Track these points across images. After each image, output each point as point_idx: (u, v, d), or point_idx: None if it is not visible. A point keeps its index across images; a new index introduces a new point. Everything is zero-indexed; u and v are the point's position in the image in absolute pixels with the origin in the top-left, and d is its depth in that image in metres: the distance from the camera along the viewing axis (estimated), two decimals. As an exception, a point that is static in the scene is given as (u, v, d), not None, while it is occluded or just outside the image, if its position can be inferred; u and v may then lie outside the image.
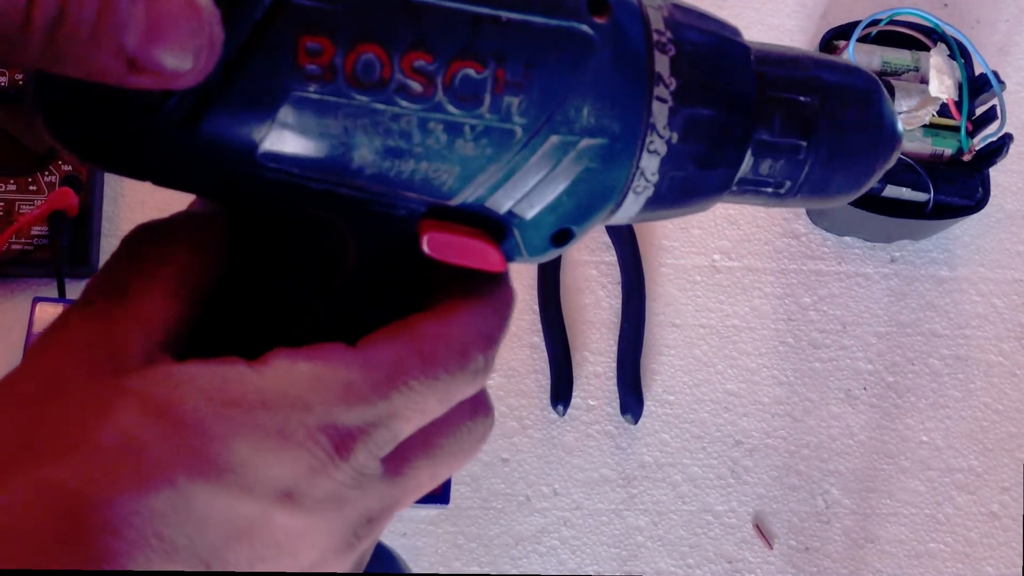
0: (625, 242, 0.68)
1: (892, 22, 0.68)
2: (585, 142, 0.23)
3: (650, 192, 0.25)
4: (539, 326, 0.66)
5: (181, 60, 0.19)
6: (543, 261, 0.26)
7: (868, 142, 0.26)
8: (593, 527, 0.64)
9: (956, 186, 0.65)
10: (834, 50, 0.67)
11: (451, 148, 0.23)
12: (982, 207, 0.66)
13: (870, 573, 0.65)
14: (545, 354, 0.66)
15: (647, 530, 0.64)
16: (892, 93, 0.65)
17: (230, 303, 0.25)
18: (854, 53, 0.65)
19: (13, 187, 0.62)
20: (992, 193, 0.66)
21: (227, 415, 0.21)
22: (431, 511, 0.63)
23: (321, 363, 0.22)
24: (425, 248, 0.24)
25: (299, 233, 0.25)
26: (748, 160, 0.25)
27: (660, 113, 0.24)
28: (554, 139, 0.23)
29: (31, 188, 0.62)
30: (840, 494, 0.66)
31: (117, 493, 0.19)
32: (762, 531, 0.65)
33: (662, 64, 0.24)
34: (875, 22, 0.67)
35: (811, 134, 0.25)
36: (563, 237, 0.25)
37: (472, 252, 0.24)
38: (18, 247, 0.62)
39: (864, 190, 0.27)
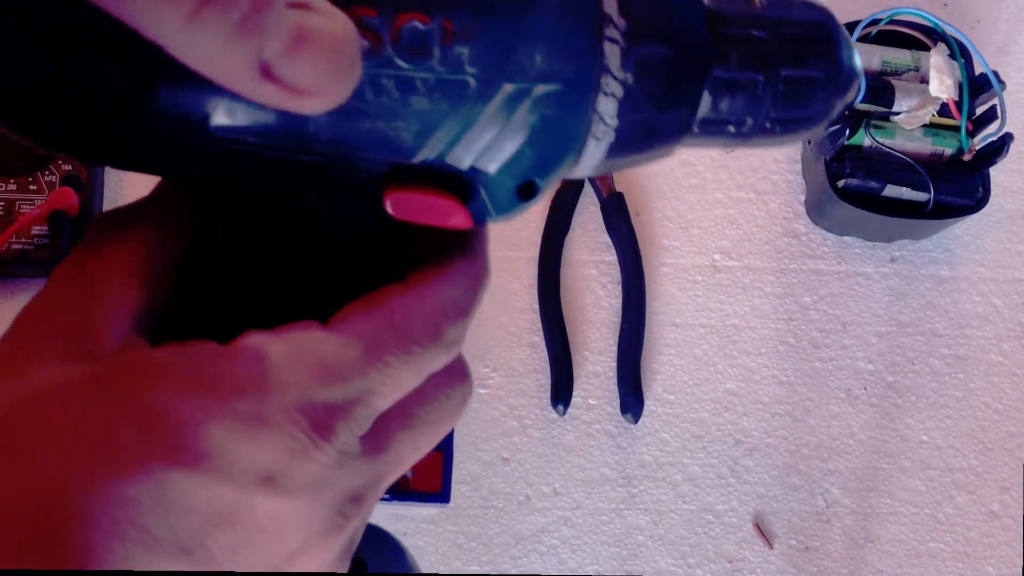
0: (625, 242, 0.68)
1: (892, 22, 0.68)
2: (540, 88, 0.23)
3: (611, 137, 0.24)
4: (539, 325, 0.66)
5: (318, 79, 0.19)
6: (512, 218, 0.25)
7: (826, 75, 0.26)
8: (593, 526, 0.64)
9: (956, 186, 0.65)
10: (834, 50, 0.67)
11: (405, 104, 0.22)
12: (982, 207, 0.66)
13: (870, 573, 0.65)
14: (545, 353, 0.66)
15: (647, 529, 0.64)
16: (892, 93, 0.65)
17: (204, 287, 0.24)
18: (854, 53, 0.65)
19: (13, 187, 0.62)
20: (992, 193, 0.66)
21: (201, 401, 0.20)
22: (431, 510, 0.63)
23: (295, 343, 0.22)
24: (389, 209, 0.23)
25: (265, 209, 0.25)
26: (707, 99, 0.25)
27: (612, 54, 0.23)
28: (508, 87, 0.23)
29: (31, 188, 0.62)
30: (840, 494, 0.66)
31: (93, 484, 0.19)
32: (762, 530, 0.65)
33: (610, 5, 0.23)
34: (875, 22, 0.67)
35: (768, 68, 0.25)
36: (528, 190, 0.24)
37: (436, 209, 0.24)
38: (18, 247, 0.62)
39: (824, 123, 0.27)
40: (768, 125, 0.26)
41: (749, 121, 0.26)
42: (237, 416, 0.21)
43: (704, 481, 0.65)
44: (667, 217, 0.70)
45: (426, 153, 0.23)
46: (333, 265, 0.25)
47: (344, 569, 0.24)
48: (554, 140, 0.24)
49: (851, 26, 0.67)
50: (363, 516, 0.24)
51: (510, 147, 0.23)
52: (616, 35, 0.23)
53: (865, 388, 0.68)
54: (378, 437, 0.23)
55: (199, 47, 0.18)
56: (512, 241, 0.68)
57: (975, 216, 0.67)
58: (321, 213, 0.24)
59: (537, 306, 0.67)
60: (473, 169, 0.24)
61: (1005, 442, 0.68)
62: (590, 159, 0.25)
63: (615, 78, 0.23)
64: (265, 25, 0.18)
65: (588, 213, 0.70)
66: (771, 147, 0.28)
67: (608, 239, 0.69)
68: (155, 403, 0.20)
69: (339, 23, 0.19)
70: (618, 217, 0.68)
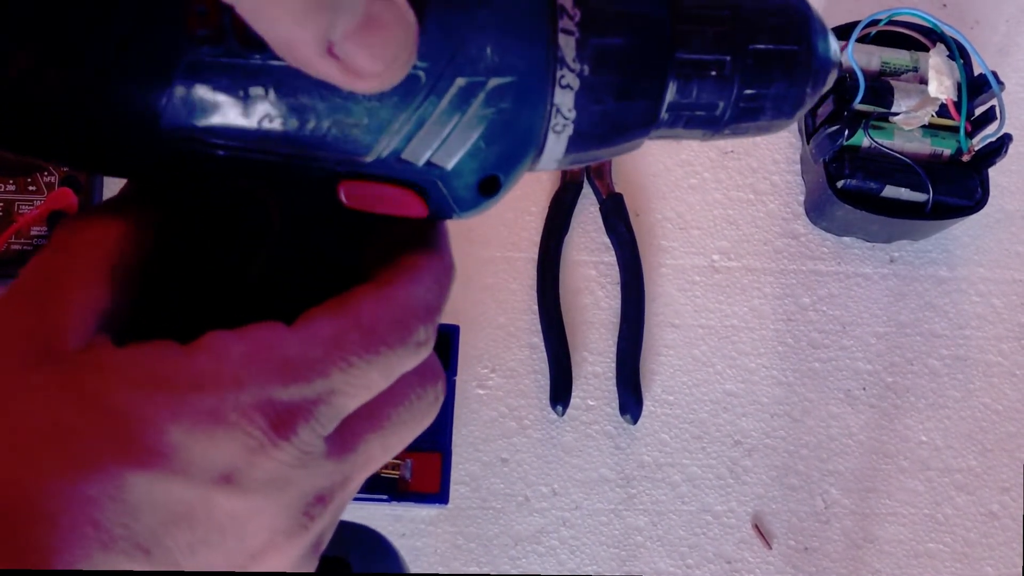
0: (624, 242, 0.68)
1: (891, 22, 0.68)
2: (493, 82, 0.22)
3: (570, 130, 0.24)
4: (538, 326, 0.66)
5: (375, 63, 0.20)
6: (477, 214, 0.25)
7: (795, 55, 0.25)
8: (592, 527, 0.64)
9: (955, 186, 0.65)
10: (833, 50, 0.67)
11: (354, 100, 0.22)
12: (981, 207, 0.66)
13: (869, 573, 0.65)
14: (544, 354, 0.66)
15: (646, 530, 0.64)
16: (891, 93, 0.65)
17: (170, 288, 0.24)
18: (853, 53, 0.65)
19: (12, 187, 0.62)
20: (991, 193, 0.66)
21: (158, 399, 0.20)
22: (430, 511, 0.63)
23: (255, 342, 0.22)
24: (343, 199, 0.23)
25: (226, 208, 0.25)
26: (672, 87, 0.24)
27: (567, 46, 0.23)
28: (460, 81, 0.22)
29: (30, 188, 0.62)
30: (839, 494, 0.66)
31: (48, 482, 0.19)
32: (761, 531, 0.65)
33: None
34: (874, 22, 0.67)
35: (734, 50, 0.24)
36: (491, 186, 0.24)
37: (389, 198, 0.23)
38: (17, 247, 0.62)
39: (802, 112, 0.26)
40: (739, 115, 0.25)
41: (721, 104, 0.25)
42: (195, 414, 0.20)
43: (703, 482, 0.65)
44: (666, 218, 0.70)
45: (380, 150, 0.23)
46: (295, 265, 0.24)
47: (311, 570, 0.24)
48: (512, 134, 0.23)
49: (850, 26, 0.67)
50: (331, 516, 0.24)
51: (467, 142, 0.23)
52: (571, 26, 0.23)
53: (864, 389, 0.68)
54: (345, 438, 0.23)
55: (271, 17, 0.19)
56: (511, 241, 0.68)
57: (974, 217, 0.67)
58: (277, 212, 0.24)
59: (536, 307, 0.67)
60: (430, 164, 0.23)
61: (1004, 443, 0.68)
62: (552, 152, 0.24)
63: (571, 70, 0.23)
64: (338, 5, 0.18)
65: (587, 214, 0.70)
66: (747, 137, 0.27)
67: (607, 240, 0.69)
68: (113, 401, 0.20)
69: (402, 10, 0.20)
70: (617, 218, 0.68)
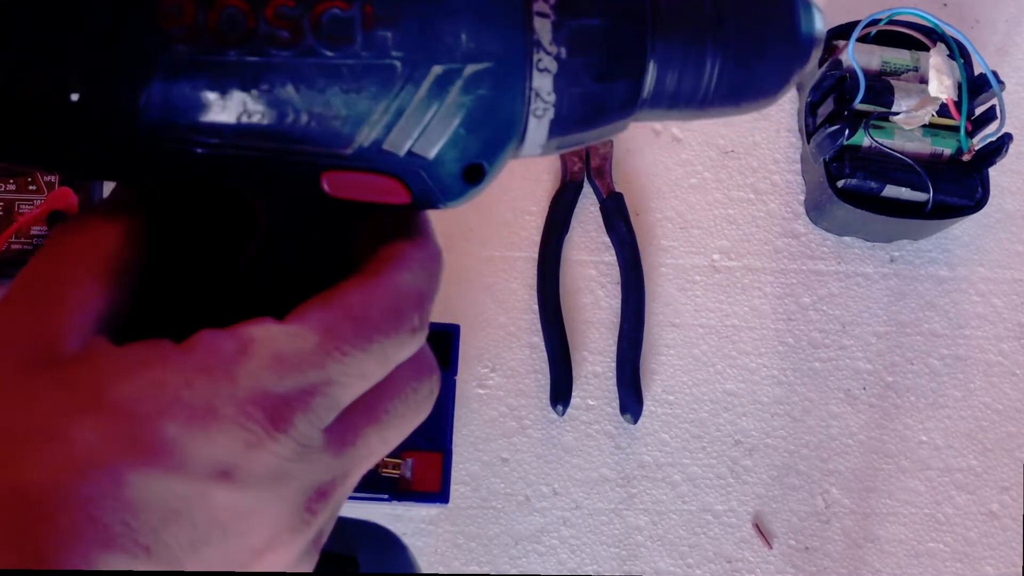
0: (625, 242, 0.68)
1: (891, 22, 0.68)
2: (469, 69, 0.22)
3: (551, 114, 0.24)
4: (539, 326, 0.66)
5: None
6: (465, 202, 0.25)
7: (779, 32, 0.25)
8: (592, 527, 0.64)
9: (956, 186, 0.65)
10: (833, 50, 0.67)
11: (332, 93, 0.22)
12: (981, 207, 0.66)
13: (870, 573, 0.65)
14: (544, 354, 0.66)
15: (646, 530, 0.64)
16: (891, 93, 0.65)
17: (166, 288, 0.24)
18: (853, 53, 0.65)
19: (13, 187, 0.62)
20: (992, 193, 0.66)
21: (152, 396, 0.20)
22: (431, 511, 0.63)
23: (247, 337, 0.22)
24: (326, 188, 0.23)
25: (213, 206, 0.25)
26: (653, 67, 0.24)
27: (543, 29, 0.23)
28: (437, 69, 0.22)
29: (30, 188, 0.62)
30: (840, 494, 0.66)
31: (46, 481, 0.19)
32: (761, 531, 0.65)
33: None
34: (874, 22, 0.67)
35: (715, 28, 0.24)
36: (475, 174, 0.24)
37: (372, 185, 0.23)
38: (18, 247, 0.62)
39: (785, 90, 0.26)
40: (723, 90, 0.25)
41: (702, 83, 0.25)
42: (189, 409, 0.20)
43: (703, 481, 0.65)
44: (666, 217, 0.70)
45: (361, 141, 0.23)
46: (284, 261, 0.24)
47: (311, 565, 0.24)
48: (492, 120, 0.23)
49: (850, 26, 0.67)
50: (331, 511, 0.24)
51: (447, 130, 0.23)
52: (545, 9, 0.23)
53: (864, 388, 0.68)
54: (344, 431, 0.23)
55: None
56: (511, 241, 0.68)
57: (974, 216, 0.67)
58: (263, 209, 0.24)
59: (536, 306, 0.67)
60: (412, 154, 0.23)
61: (1004, 442, 0.68)
62: (534, 138, 0.24)
63: (548, 53, 0.23)
64: None
65: (587, 213, 0.70)
66: (729, 115, 0.27)
67: (607, 239, 0.69)
68: (109, 400, 0.20)
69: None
70: (617, 217, 0.68)
